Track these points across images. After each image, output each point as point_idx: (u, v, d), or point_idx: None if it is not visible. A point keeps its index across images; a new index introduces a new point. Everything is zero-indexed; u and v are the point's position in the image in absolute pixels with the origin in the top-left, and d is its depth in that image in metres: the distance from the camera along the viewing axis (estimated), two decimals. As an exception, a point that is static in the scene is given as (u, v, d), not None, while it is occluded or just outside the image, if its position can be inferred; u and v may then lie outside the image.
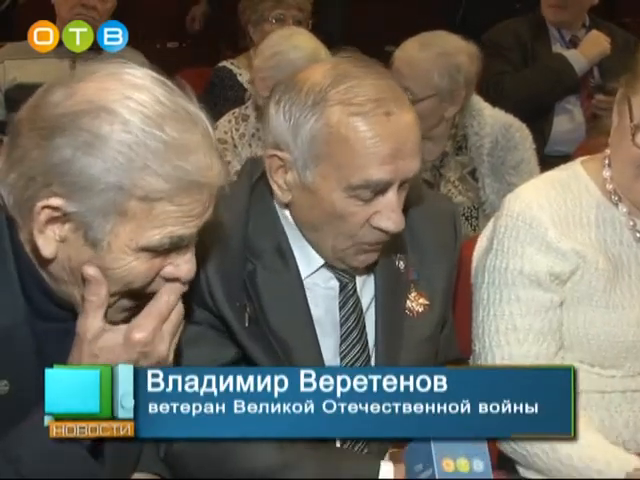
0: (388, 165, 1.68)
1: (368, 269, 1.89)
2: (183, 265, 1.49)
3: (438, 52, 3.08)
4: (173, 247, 1.45)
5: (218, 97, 3.81)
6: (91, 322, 1.44)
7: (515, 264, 1.97)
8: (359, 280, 1.88)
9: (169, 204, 1.40)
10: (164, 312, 1.47)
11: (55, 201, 1.38)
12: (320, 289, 1.85)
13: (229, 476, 1.69)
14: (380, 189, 1.70)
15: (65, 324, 1.54)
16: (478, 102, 3.22)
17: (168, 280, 1.50)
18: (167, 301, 1.48)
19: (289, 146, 1.72)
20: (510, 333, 1.97)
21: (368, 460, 1.72)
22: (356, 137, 1.67)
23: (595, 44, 4.08)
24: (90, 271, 1.42)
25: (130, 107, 1.38)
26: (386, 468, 1.68)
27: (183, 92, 1.47)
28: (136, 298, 1.51)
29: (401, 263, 1.90)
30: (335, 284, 1.86)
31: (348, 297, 1.85)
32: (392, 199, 1.71)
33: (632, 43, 4.21)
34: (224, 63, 3.98)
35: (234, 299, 1.78)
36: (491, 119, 3.17)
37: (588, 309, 1.97)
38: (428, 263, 1.92)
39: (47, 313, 1.52)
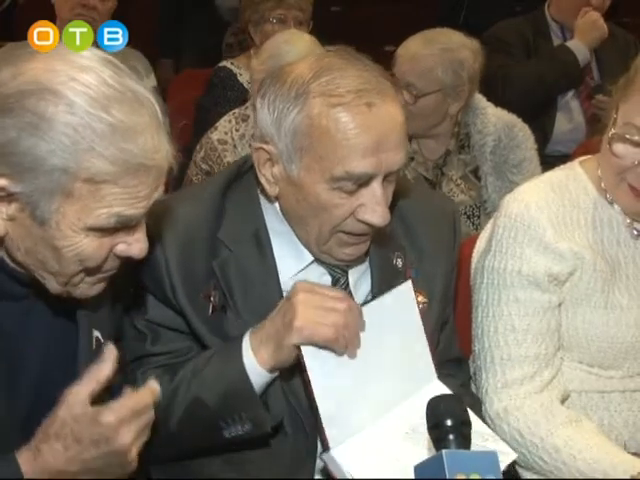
0: (370, 157, 1.67)
1: (363, 265, 1.89)
2: (135, 244, 1.50)
3: (441, 48, 3.08)
4: (121, 226, 1.46)
5: (219, 97, 3.80)
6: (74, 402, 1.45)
7: (514, 265, 1.97)
8: (354, 277, 1.88)
9: (115, 186, 1.40)
10: (139, 407, 1.47)
11: (0, 181, 1.38)
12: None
13: (159, 412, 1.69)
14: (363, 181, 1.69)
15: (26, 302, 1.54)
16: (481, 101, 3.22)
17: (120, 258, 1.51)
18: (146, 403, 1.48)
19: (274, 139, 1.72)
20: (509, 334, 1.97)
21: (232, 357, 1.70)
22: (337, 128, 1.65)
23: (591, 29, 4.06)
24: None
25: (75, 89, 1.37)
26: (249, 361, 1.67)
27: (133, 73, 1.46)
28: (100, 273, 1.52)
29: (399, 261, 1.89)
30: (328, 279, 1.86)
31: None
32: (376, 192, 1.70)
33: (632, 43, 4.21)
34: (224, 63, 3.97)
35: (196, 291, 1.79)
36: (494, 118, 3.17)
37: (587, 310, 1.98)
38: (427, 262, 1.92)
39: (5, 291, 1.52)
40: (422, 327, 1.78)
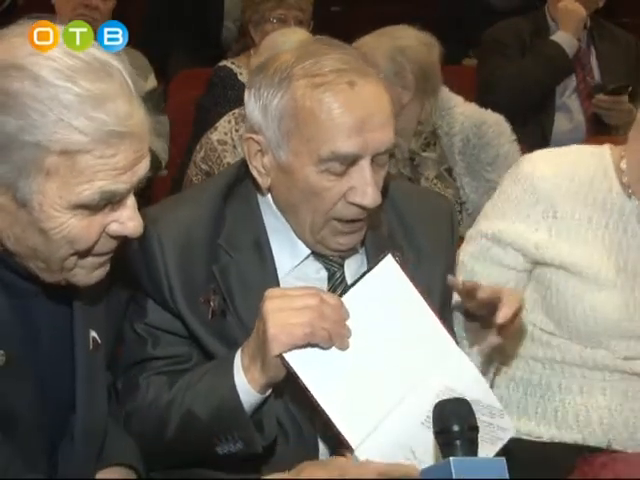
0: (356, 137, 1.67)
1: (360, 261, 1.88)
2: (128, 222, 1.47)
3: (387, 38, 3.11)
4: (106, 202, 1.43)
5: (219, 97, 3.79)
6: None
7: (492, 224, 2.04)
8: (351, 271, 1.87)
9: (91, 157, 1.37)
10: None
11: None
12: (311, 279, 1.84)
13: (157, 419, 1.74)
14: (350, 162, 1.69)
15: (35, 299, 1.53)
16: (448, 100, 3.19)
17: (115, 238, 1.49)
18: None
19: (261, 127, 1.73)
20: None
21: (224, 375, 1.69)
22: (321, 108, 1.66)
23: (568, 15, 4.06)
24: None
25: (39, 62, 1.35)
26: (240, 380, 1.65)
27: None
28: (94, 256, 1.50)
29: (396, 260, 1.88)
30: (324, 274, 1.85)
31: (336, 286, 1.84)
32: (365, 173, 1.70)
33: (633, 44, 4.21)
34: (224, 62, 3.96)
35: (195, 295, 1.78)
36: (462, 117, 3.14)
37: (578, 284, 1.99)
38: (425, 261, 1.91)
39: (14, 288, 1.51)
40: (421, 298, 1.72)
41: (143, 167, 1.45)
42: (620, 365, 2.01)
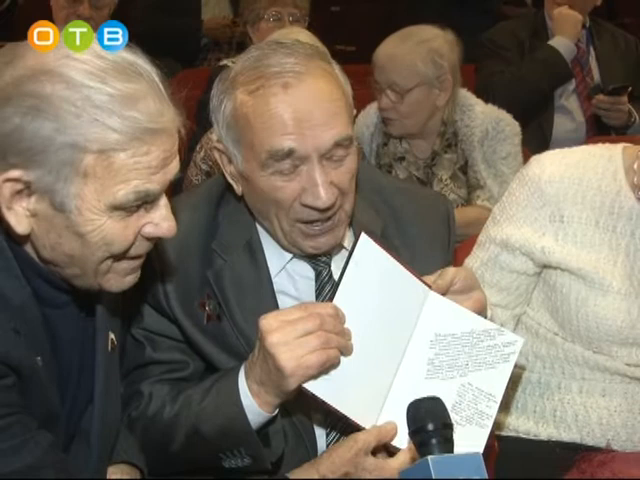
0: (290, 134, 1.65)
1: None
2: (162, 223, 1.50)
3: (416, 41, 3.11)
4: (141, 202, 1.45)
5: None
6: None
7: (501, 229, 2.04)
8: (338, 272, 1.82)
9: (126, 156, 1.40)
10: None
11: (14, 172, 1.38)
12: (300, 278, 1.84)
13: (161, 433, 1.75)
14: (293, 160, 1.67)
15: (68, 309, 1.55)
16: (469, 98, 3.25)
17: (150, 240, 1.51)
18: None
19: (221, 136, 1.75)
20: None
21: (228, 397, 1.68)
22: (255, 113, 1.67)
23: (564, 21, 4.06)
24: None
25: (70, 65, 1.38)
26: (249, 402, 1.65)
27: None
28: (128, 259, 1.51)
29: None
30: (312, 273, 1.85)
31: (324, 284, 1.84)
32: (314, 174, 1.68)
33: (633, 44, 4.21)
34: (225, 61, 3.96)
35: (191, 299, 1.78)
36: (482, 114, 3.21)
37: (583, 288, 1.98)
38: (421, 261, 1.88)
39: (46, 298, 1.52)
40: (395, 261, 1.71)
41: (174, 167, 1.48)
42: (621, 369, 2.01)
